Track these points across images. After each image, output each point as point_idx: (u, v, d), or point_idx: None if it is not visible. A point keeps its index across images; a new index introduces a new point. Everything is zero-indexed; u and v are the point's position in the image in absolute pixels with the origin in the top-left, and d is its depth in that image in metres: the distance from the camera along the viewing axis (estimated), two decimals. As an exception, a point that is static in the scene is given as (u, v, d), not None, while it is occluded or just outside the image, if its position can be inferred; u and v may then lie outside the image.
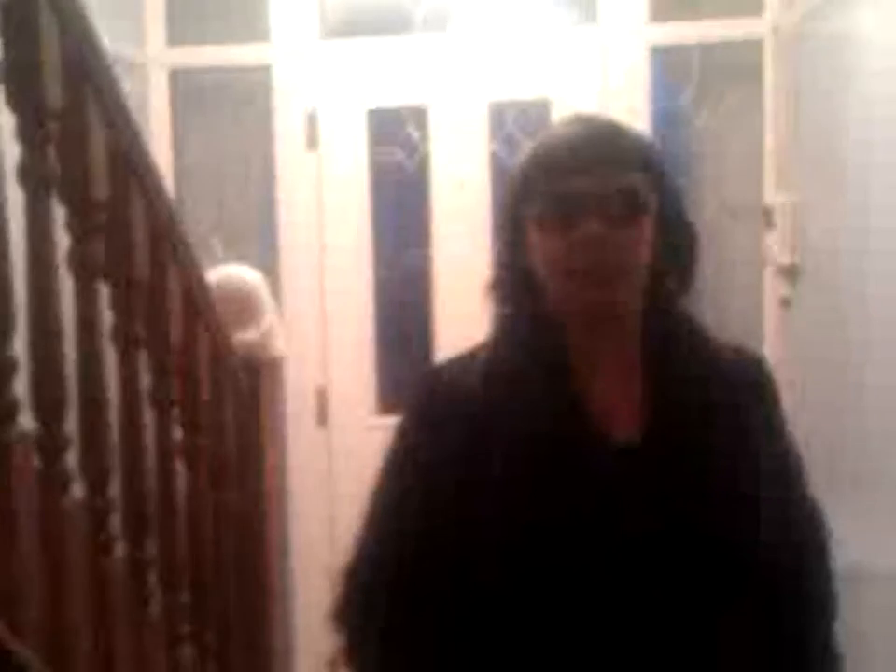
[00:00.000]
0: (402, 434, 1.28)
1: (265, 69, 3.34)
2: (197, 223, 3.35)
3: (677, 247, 1.24)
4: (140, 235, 1.65)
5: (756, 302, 3.23)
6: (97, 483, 1.52)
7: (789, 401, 3.08)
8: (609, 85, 3.20)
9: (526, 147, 1.24)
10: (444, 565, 1.16)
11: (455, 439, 1.17)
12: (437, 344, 3.36)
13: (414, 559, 1.18)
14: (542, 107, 3.24)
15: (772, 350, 3.21)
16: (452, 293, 3.32)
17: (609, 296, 1.16)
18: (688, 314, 1.26)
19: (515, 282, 1.24)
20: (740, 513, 1.16)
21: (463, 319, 3.32)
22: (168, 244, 1.76)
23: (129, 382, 1.66)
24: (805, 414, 2.91)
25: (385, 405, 3.41)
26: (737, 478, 1.18)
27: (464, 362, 1.29)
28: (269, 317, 2.25)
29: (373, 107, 3.31)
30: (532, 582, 1.11)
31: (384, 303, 3.39)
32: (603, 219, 1.13)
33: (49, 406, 1.40)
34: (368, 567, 1.24)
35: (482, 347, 1.29)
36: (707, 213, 3.26)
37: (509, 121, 3.27)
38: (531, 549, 1.11)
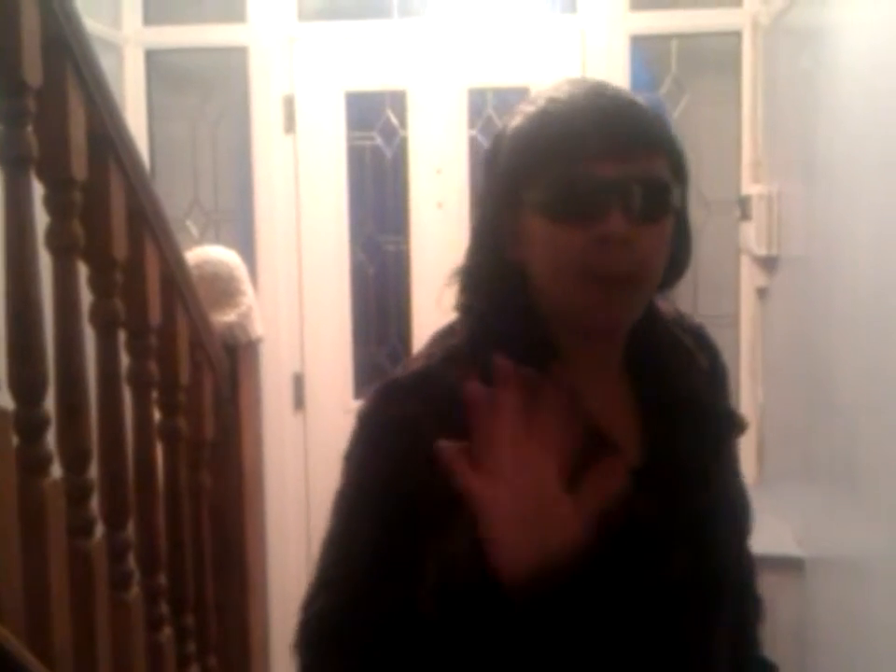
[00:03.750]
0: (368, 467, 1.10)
1: (242, 51, 3.32)
2: (173, 205, 3.33)
3: (680, 247, 1.10)
4: (119, 215, 1.64)
5: (733, 292, 3.26)
6: (76, 464, 1.51)
7: (764, 391, 3.11)
8: (587, 73, 3.21)
9: (522, 110, 1.00)
10: None
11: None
12: (413, 329, 3.36)
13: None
14: (521, 94, 3.24)
15: (748, 340, 3.24)
16: (429, 278, 3.32)
17: (626, 304, 0.99)
18: (652, 301, 1.12)
19: (500, 275, 1.04)
20: (734, 527, 1.12)
21: (439, 304, 3.33)
22: (147, 224, 1.75)
23: (107, 362, 1.65)
24: (779, 404, 2.94)
25: (362, 390, 3.41)
26: (728, 490, 1.10)
27: (434, 371, 1.04)
28: (247, 299, 2.24)
29: (351, 91, 3.29)
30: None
31: (360, 288, 3.38)
32: (627, 214, 0.93)
33: (28, 386, 1.39)
34: None
35: (446, 352, 1.07)
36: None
37: (488, 107, 3.27)
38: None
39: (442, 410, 0.94)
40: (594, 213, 0.94)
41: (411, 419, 0.99)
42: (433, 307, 3.53)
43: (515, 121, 1.00)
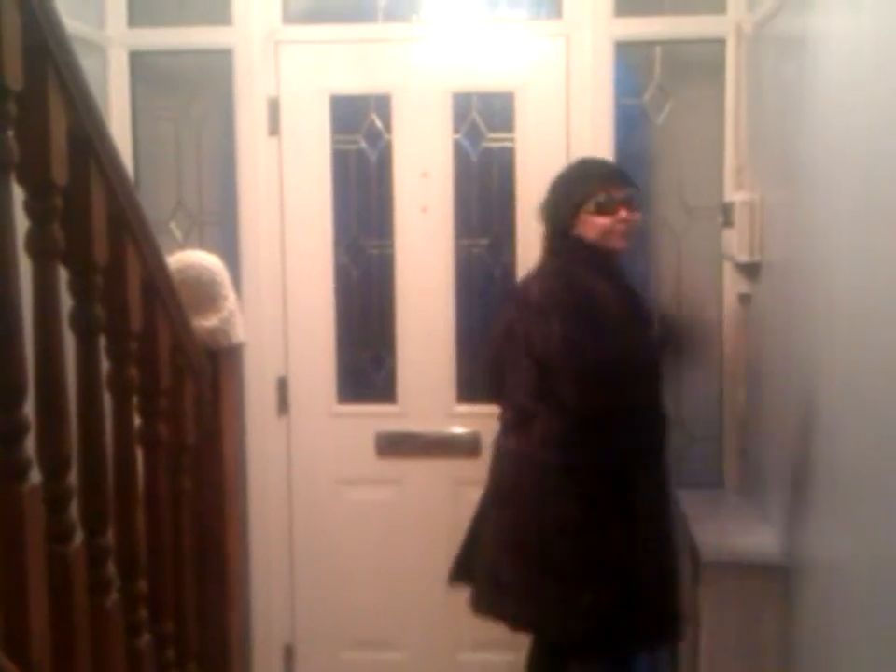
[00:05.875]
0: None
1: (227, 53, 3.31)
2: (157, 207, 3.33)
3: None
4: (100, 219, 1.63)
5: (716, 299, 3.27)
6: (55, 470, 1.50)
7: (747, 396, 3.12)
8: (572, 78, 3.21)
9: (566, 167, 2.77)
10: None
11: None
12: (397, 332, 3.36)
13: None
14: (506, 99, 3.25)
15: (731, 346, 3.25)
16: (413, 282, 3.33)
17: (625, 244, 2.66)
18: None
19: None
20: None
21: (423, 308, 3.33)
22: (128, 228, 1.74)
23: (87, 368, 1.64)
24: (762, 410, 2.95)
25: (346, 394, 3.41)
26: None
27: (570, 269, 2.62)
28: (229, 304, 2.23)
29: (336, 94, 3.29)
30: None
31: (344, 291, 3.38)
32: (627, 210, 2.62)
33: (7, 391, 1.38)
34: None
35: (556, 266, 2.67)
36: (666, 210, 3.29)
37: (473, 111, 3.27)
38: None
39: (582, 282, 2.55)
40: (614, 210, 2.61)
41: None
42: (418, 311, 3.56)
43: (562, 171, 2.73)
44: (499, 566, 2.61)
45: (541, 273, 2.66)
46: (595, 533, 2.52)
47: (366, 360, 3.42)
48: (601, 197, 2.58)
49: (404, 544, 3.41)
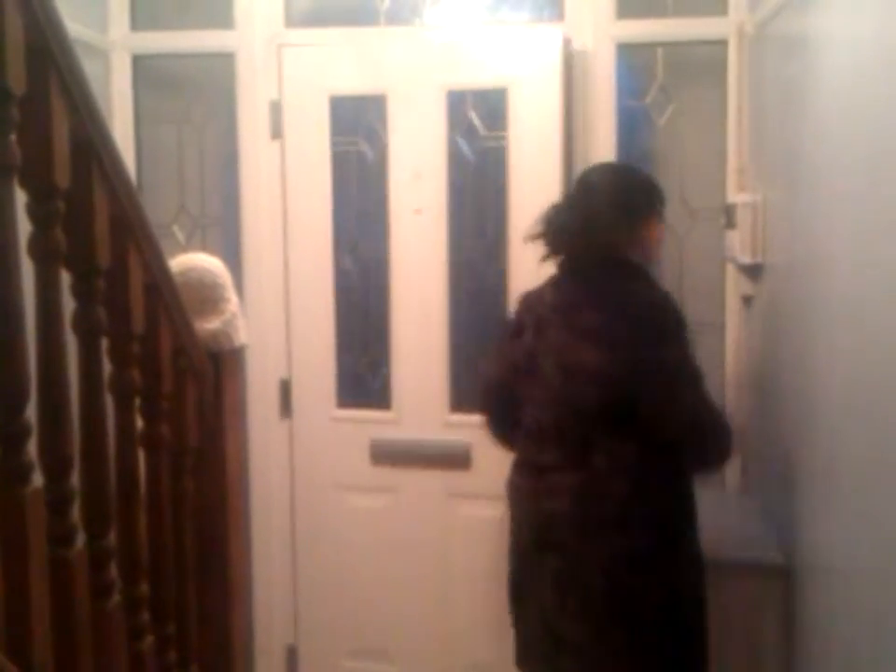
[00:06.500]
0: None
1: (229, 56, 3.32)
2: (159, 210, 3.33)
3: None
4: (102, 222, 1.64)
5: (718, 300, 3.27)
6: (57, 473, 1.50)
7: (750, 398, 3.11)
8: (574, 80, 3.21)
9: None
10: None
11: None
12: (392, 337, 3.33)
13: None
14: (504, 99, 3.21)
15: (734, 347, 3.25)
16: (407, 287, 3.29)
17: None
18: None
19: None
20: None
21: (417, 313, 3.29)
22: (131, 231, 1.75)
23: (90, 370, 1.64)
24: (764, 412, 2.95)
25: (345, 398, 3.40)
26: None
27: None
28: (231, 306, 2.24)
29: (336, 95, 3.27)
30: None
31: (344, 296, 3.36)
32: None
33: (9, 394, 1.38)
34: None
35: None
36: (669, 212, 3.28)
37: (470, 112, 3.24)
38: None
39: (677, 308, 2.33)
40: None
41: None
42: (412, 316, 3.51)
43: (616, 180, 2.51)
44: (557, 616, 2.32)
45: (595, 293, 2.30)
46: (673, 567, 2.29)
47: (364, 365, 3.40)
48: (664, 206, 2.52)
49: (398, 553, 3.37)
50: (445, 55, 3.23)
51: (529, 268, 2.65)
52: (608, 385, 2.22)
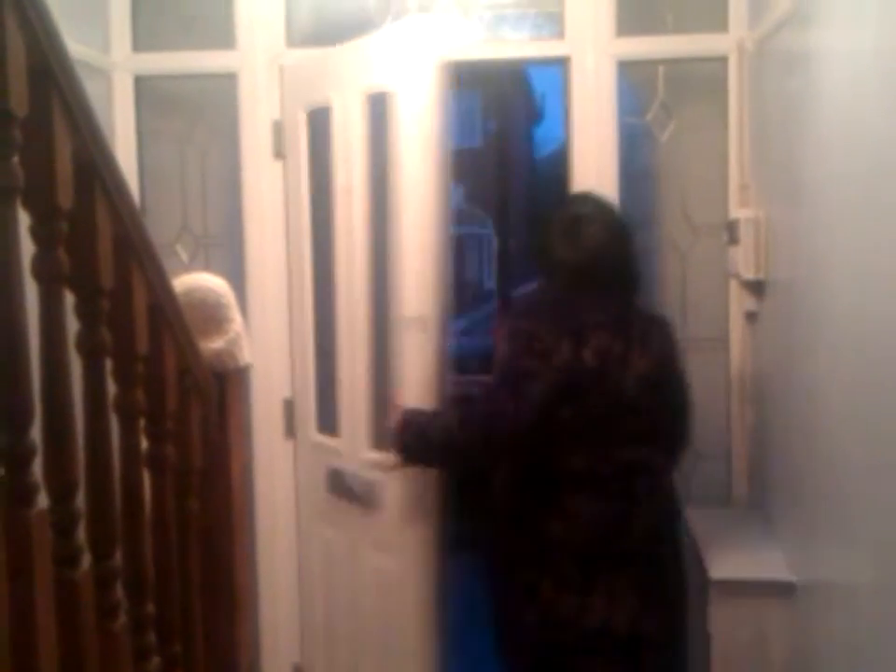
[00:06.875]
0: None
1: (231, 76, 3.33)
2: (162, 230, 3.34)
3: None
4: (105, 243, 1.64)
5: (722, 316, 3.27)
6: (63, 494, 1.50)
7: (754, 414, 3.11)
8: (575, 98, 3.22)
9: None
10: None
11: None
12: (337, 363, 3.10)
13: None
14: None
15: (737, 363, 3.25)
16: (343, 312, 3.06)
17: None
18: None
19: None
20: None
21: (350, 340, 3.03)
22: (134, 251, 1.75)
23: (94, 391, 1.64)
24: (769, 427, 2.94)
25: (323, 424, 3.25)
26: None
27: None
28: (235, 326, 2.24)
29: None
30: None
31: (322, 313, 3.19)
32: None
33: (14, 415, 1.38)
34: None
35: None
36: (671, 228, 3.29)
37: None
38: None
39: None
40: None
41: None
42: (347, 343, 3.29)
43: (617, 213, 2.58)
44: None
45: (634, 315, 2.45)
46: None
47: (331, 387, 3.16)
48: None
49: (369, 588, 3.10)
50: (360, 60, 2.97)
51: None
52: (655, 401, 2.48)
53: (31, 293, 1.44)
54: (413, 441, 2.49)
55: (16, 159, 1.37)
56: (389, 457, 2.63)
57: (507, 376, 2.32)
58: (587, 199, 2.53)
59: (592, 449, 2.31)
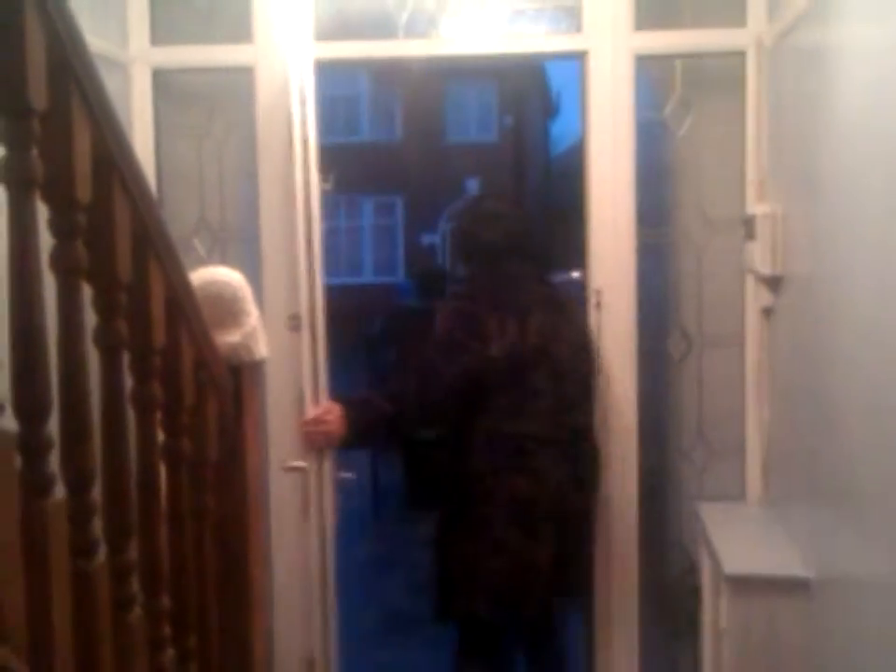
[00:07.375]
0: None
1: (249, 70, 3.33)
2: (180, 223, 3.35)
3: None
4: (124, 236, 1.65)
5: (738, 312, 3.25)
6: (79, 486, 1.51)
7: (770, 410, 3.10)
8: (593, 92, 3.21)
9: None
10: None
11: None
12: None
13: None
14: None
15: (754, 360, 3.24)
16: None
17: None
18: None
19: None
20: None
21: None
22: (152, 245, 1.75)
23: (111, 384, 1.65)
24: (785, 424, 2.93)
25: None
26: None
27: None
28: (252, 320, 2.24)
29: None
30: None
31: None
32: None
33: (32, 407, 1.39)
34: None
35: None
36: (687, 223, 3.28)
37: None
38: None
39: None
40: None
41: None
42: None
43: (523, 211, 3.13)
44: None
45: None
46: None
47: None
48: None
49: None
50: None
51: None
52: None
53: (49, 286, 1.45)
54: (359, 415, 2.84)
55: (35, 152, 1.38)
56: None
57: (440, 346, 2.85)
58: (495, 197, 3.29)
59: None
